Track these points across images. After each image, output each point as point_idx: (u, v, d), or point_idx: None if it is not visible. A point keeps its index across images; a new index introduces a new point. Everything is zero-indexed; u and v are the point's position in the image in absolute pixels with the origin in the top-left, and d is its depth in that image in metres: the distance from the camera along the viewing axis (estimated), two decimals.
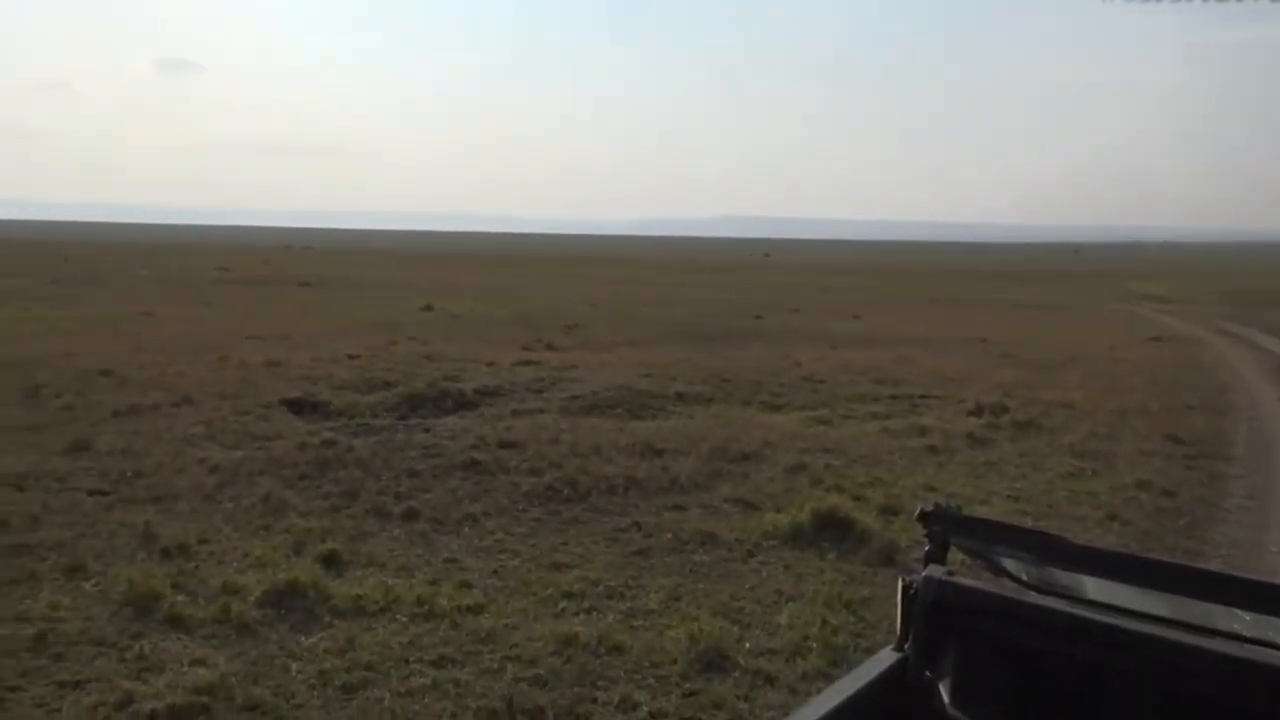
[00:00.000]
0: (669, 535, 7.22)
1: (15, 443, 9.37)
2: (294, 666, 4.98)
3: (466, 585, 6.14)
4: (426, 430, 10.32)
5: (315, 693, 4.73)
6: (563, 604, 5.89)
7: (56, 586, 5.92)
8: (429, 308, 26.15)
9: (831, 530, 7.20)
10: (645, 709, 4.66)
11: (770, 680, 4.94)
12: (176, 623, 5.45)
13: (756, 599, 6.05)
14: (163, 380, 12.96)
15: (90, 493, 7.89)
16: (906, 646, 2.37)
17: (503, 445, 9.56)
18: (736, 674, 5.00)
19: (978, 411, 12.15)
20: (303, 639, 5.30)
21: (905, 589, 2.38)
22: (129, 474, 8.44)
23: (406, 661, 5.07)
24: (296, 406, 11.48)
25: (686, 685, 4.89)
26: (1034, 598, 2.28)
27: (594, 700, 4.72)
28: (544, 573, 6.43)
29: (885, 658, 2.37)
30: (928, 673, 2.34)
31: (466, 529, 7.33)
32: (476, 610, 5.74)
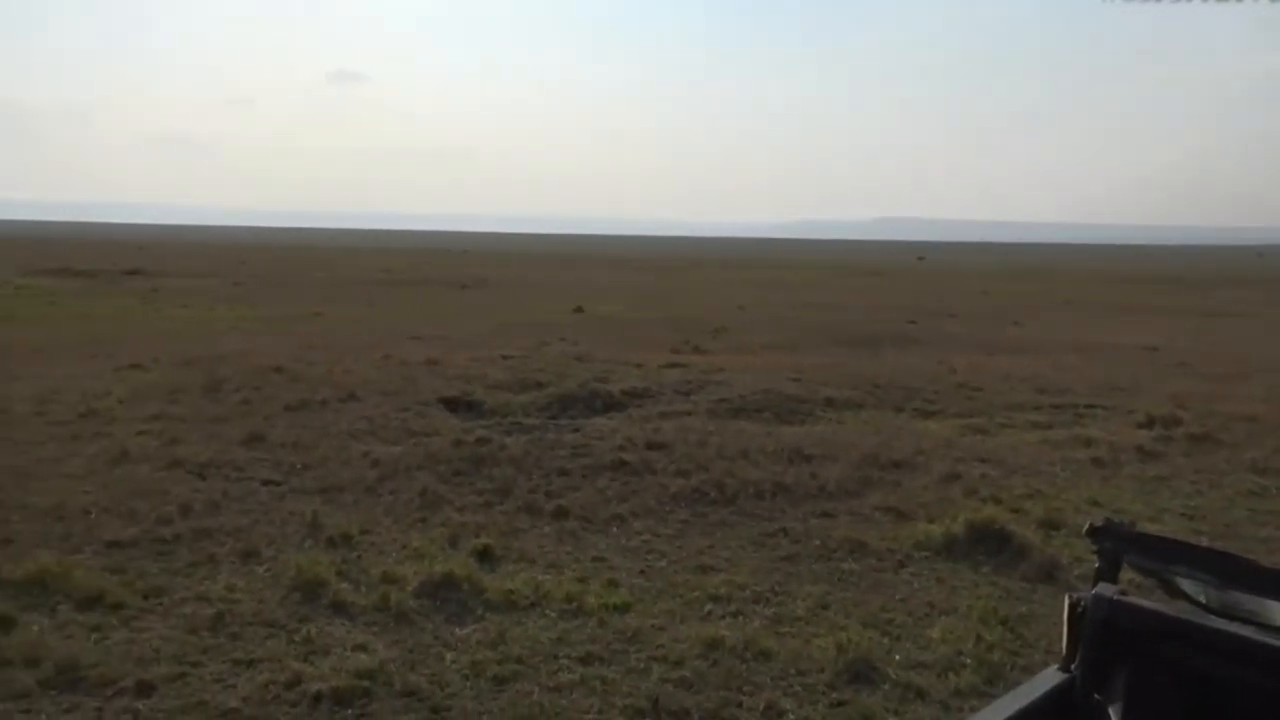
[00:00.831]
0: (817, 542, 7.13)
1: (199, 433, 10.03)
2: (448, 656, 5.15)
3: (614, 584, 6.21)
4: (576, 430, 10.49)
5: (468, 683, 4.88)
6: (709, 607, 5.89)
7: (233, 569, 6.31)
8: (580, 310, 26.59)
9: (987, 543, 6.96)
10: (792, 717, 4.61)
11: (921, 695, 4.81)
12: (340, 609, 5.72)
13: (907, 611, 5.90)
14: (330, 377, 13.61)
15: (264, 482, 8.37)
16: (1073, 667, 2.26)
17: (650, 447, 9.63)
18: (886, 686, 4.89)
19: (1148, 423, 11.49)
20: (457, 630, 5.48)
21: (1073, 607, 2.27)
22: (299, 465, 8.91)
23: (555, 657, 5.17)
24: (453, 405, 11.87)
25: (834, 695, 4.81)
26: (1216, 622, 2.14)
27: (739, 705, 4.70)
28: (690, 575, 6.45)
29: (1050, 677, 2.27)
30: (1096, 695, 2.23)
31: (614, 528, 7.42)
32: (623, 609, 5.80)
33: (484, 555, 6.64)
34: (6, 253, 60.44)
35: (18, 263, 46.38)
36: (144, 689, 4.69)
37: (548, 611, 5.76)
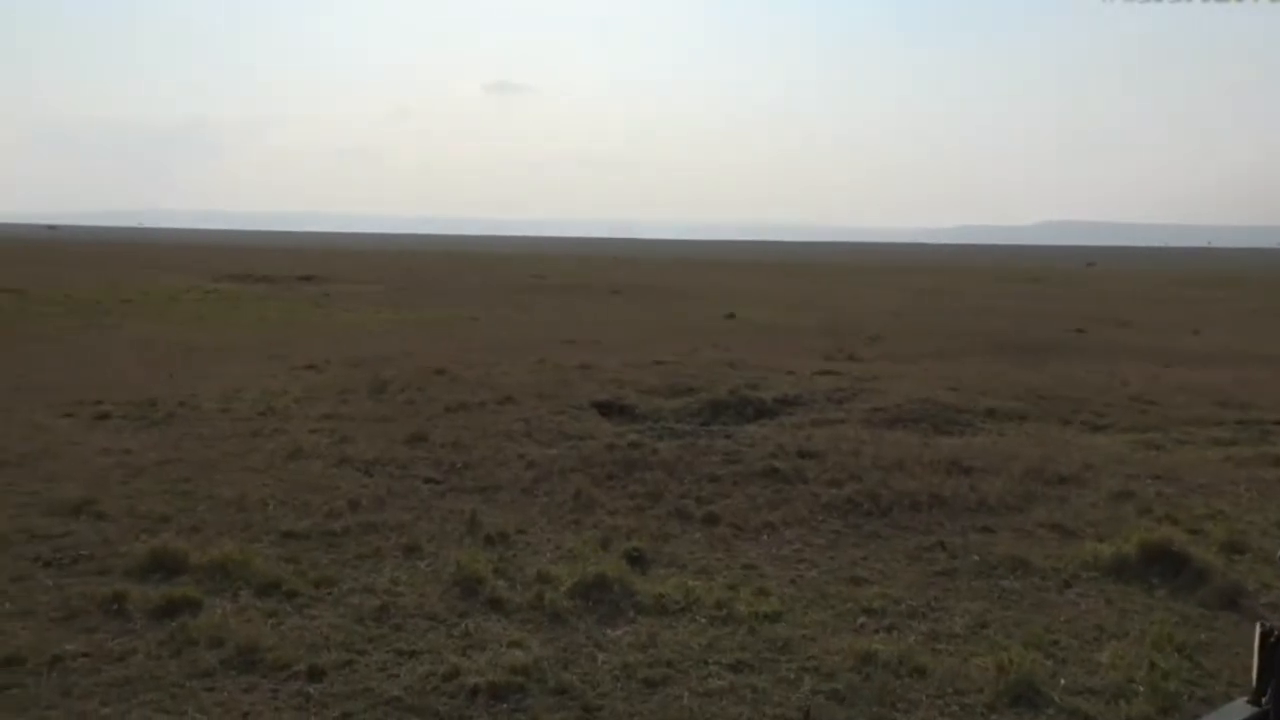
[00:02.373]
0: (976, 558, 6.90)
1: (366, 432, 10.51)
2: (600, 657, 5.23)
3: (764, 592, 6.17)
4: (728, 436, 10.48)
5: (619, 684, 4.94)
6: (862, 619, 5.79)
7: (397, 563, 6.58)
8: (732, 315, 26.55)
9: (1162, 565, 6.58)
10: None
11: None
12: (497, 605, 5.88)
13: (1073, 633, 5.64)
14: (488, 380, 14.03)
15: (426, 480, 8.70)
16: (1265, 701, 2.12)
17: (802, 455, 9.53)
18: (1050, 711, 4.69)
19: None
20: (609, 631, 5.56)
21: (1264, 636, 2.12)
22: (458, 465, 9.22)
23: (705, 663, 5.18)
24: (606, 408, 12.05)
25: (994, 717, 4.64)
26: None
27: None
28: (843, 586, 6.35)
29: (1238, 709, 2.13)
30: None
31: (765, 536, 7.37)
32: (774, 618, 5.76)
33: (635, 558, 6.71)
34: (198, 259, 64.91)
35: (207, 268, 49.74)
36: (315, 674, 4.95)
37: (698, 617, 5.77)
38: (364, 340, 19.85)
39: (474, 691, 4.79)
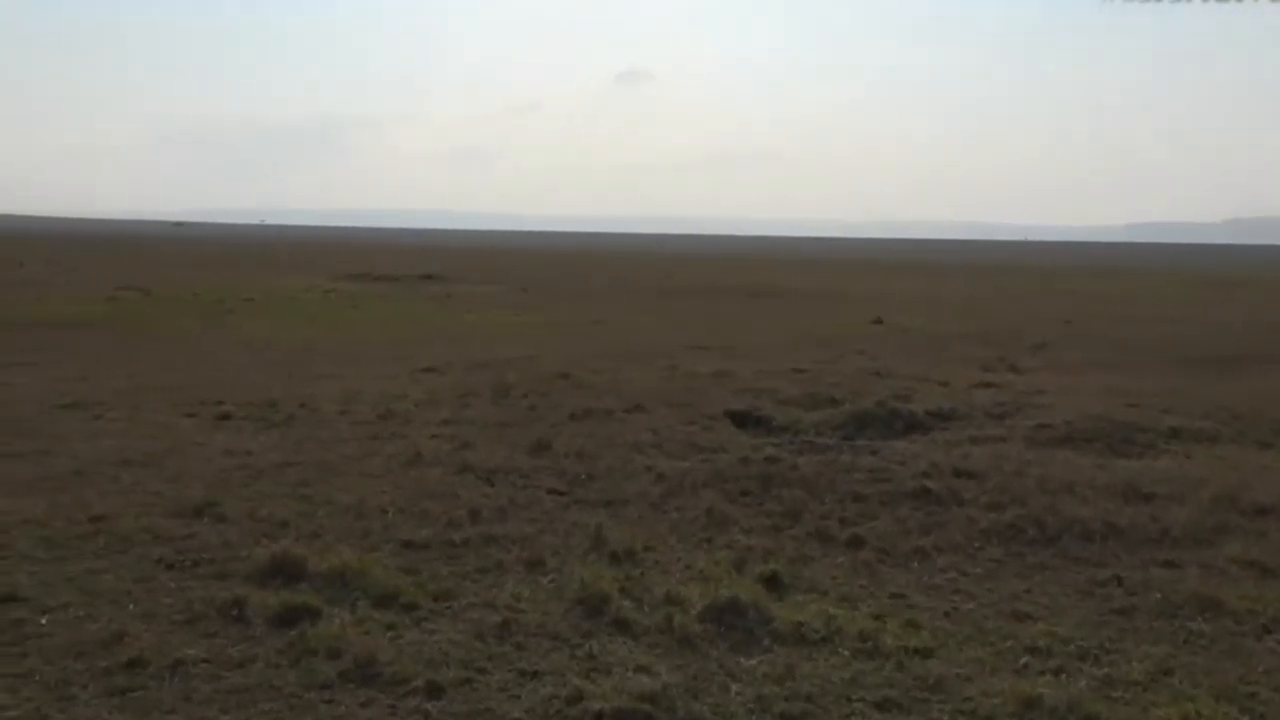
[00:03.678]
0: (1157, 595, 6.59)
1: (488, 438, 10.75)
2: (733, 687, 5.20)
3: (914, 625, 6.04)
4: (874, 453, 10.31)
5: (753, 717, 4.90)
6: (1025, 659, 5.59)
7: (519, 578, 6.70)
8: (879, 321, 26.13)
9: None
10: None
11: None
12: (623, 626, 5.93)
13: (1274, 685, 5.32)
14: (615, 386, 14.17)
15: (549, 491, 8.84)
16: None
17: (958, 474, 9.29)
18: None
19: None
20: (742, 659, 5.53)
21: None
22: (583, 476, 9.34)
23: (848, 699, 5.09)
24: (740, 419, 12.01)
25: None
26: None
27: None
28: (1003, 621, 6.15)
29: None
30: None
31: (915, 563, 7.22)
32: (925, 654, 5.62)
33: (772, 582, 6.66)
34: (318, 257, 67.73)
35: (328, 268, 51.80)
36: (434, 690, 5.08)
37: (840, 649, 5.68)
38: (486, 342, 20.33)
39: (598, 717, 4.83)
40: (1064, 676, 5.37)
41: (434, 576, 6.67)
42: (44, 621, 5.79)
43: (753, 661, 5.51)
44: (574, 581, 6.51)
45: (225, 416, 11.70)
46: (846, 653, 5.64)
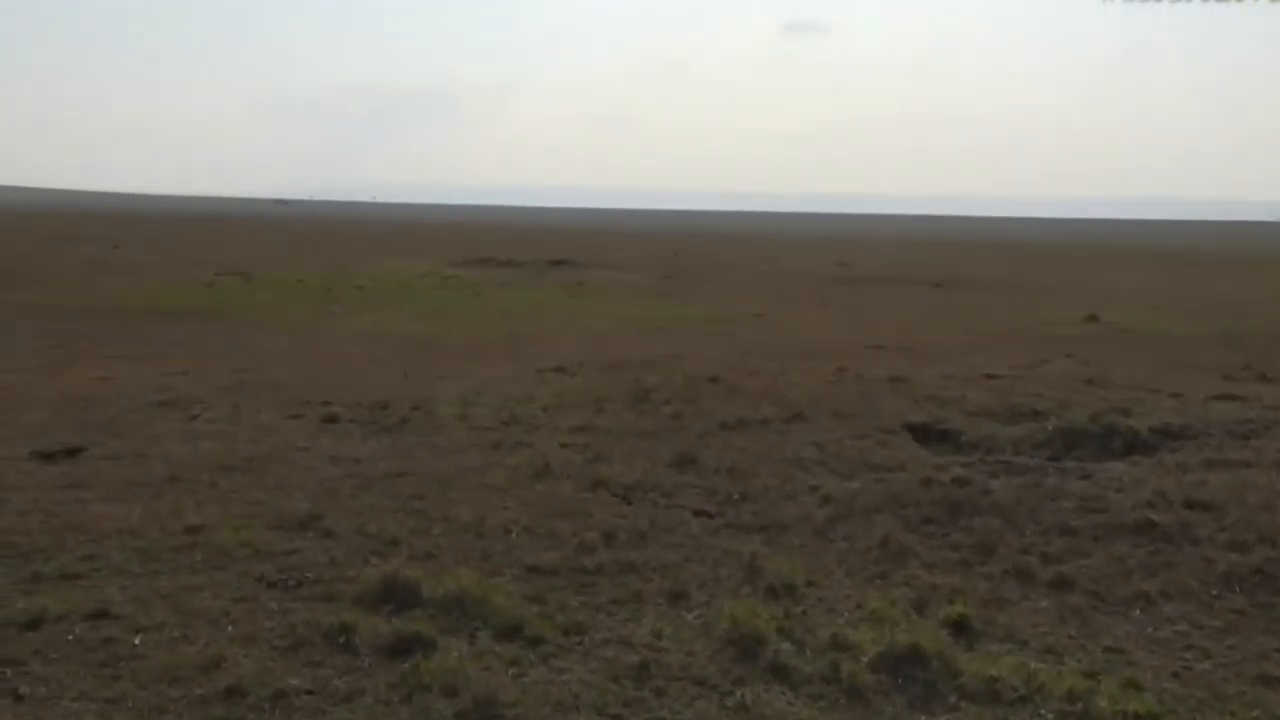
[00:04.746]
0: None
1: (625, 450, 10.88)
2: None
3: (1135, 686, 5.85)
4: (1085, 476, 10.03)
5: None
6: None
7: (660, 612, 6.77)
8: (1092, 318, 25.34)
9: None
10: None
11: None
12: (780, 673, 5.92)
13: None
14: (774, 391, 14.15)
15: (696, 513, 8.90)
16: None
17: (1191, 506, 8.96)
18: None
19: None
20: (923, 718, 5.46)
21: None
22: (735, 496, 9.37)
23: None
24: (922, 433, 11.84)
25: None
26: None
27: None
28: (1246, 686, 5.92)
29: None
30: None
31: (1136, 611, 6.99)
32: None
33: (959, 627, 6.55)
34: (435, 240, 69.62)
35: (445, 251, 53.19)
36: None
37: (1044, 710, 5.56)
38: (624, 339, 20.56)
39: None
40: None
41: (563, 607, 6.79)
42: (137, 641, 6.14)
43: None
44: (724, 618, 6.53)
45: (332, 419, 12.15)
46: (1051, 715, 5.52)
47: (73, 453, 10.22)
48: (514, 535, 8.17)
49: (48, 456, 10.07)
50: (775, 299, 30.66)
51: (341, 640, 6.16)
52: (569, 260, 46.98)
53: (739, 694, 5.67)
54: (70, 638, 6.15)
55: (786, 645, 6.23)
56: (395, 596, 6.75)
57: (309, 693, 5.59)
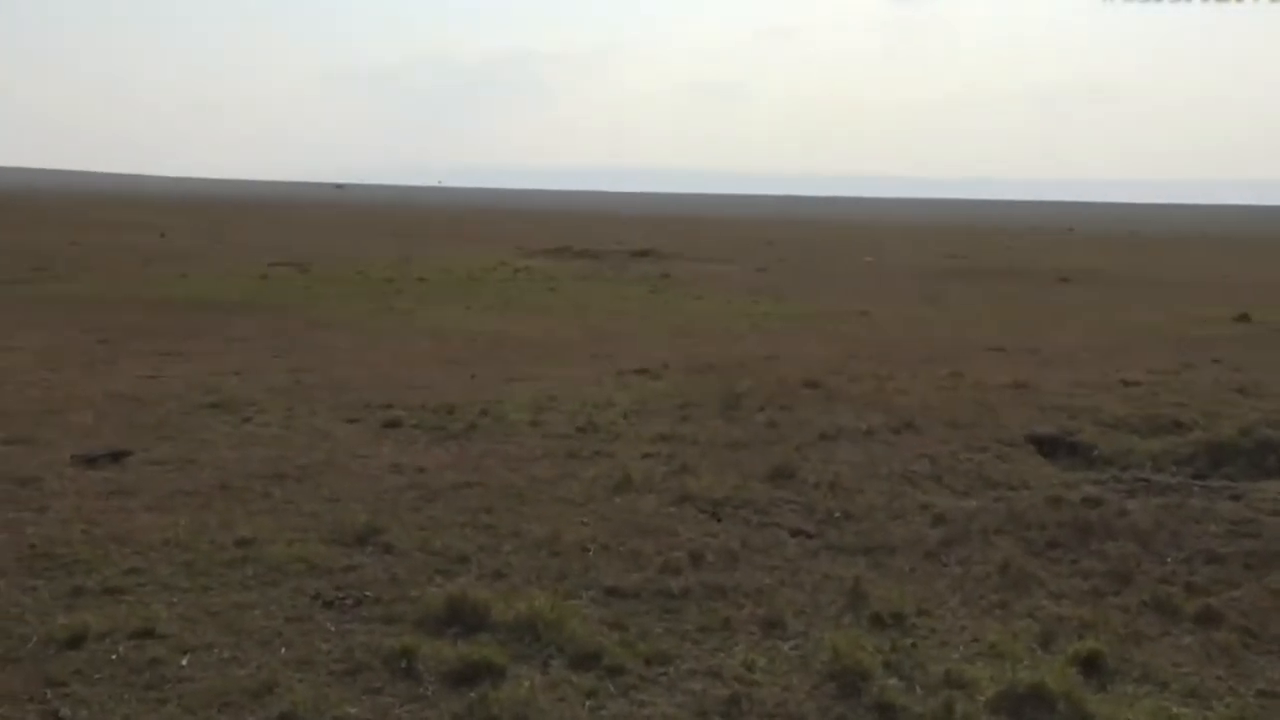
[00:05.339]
0: None
1: (715, 461, 10.86)
2: None
3: None
4: (1235, 497, 9.83)
5: None
6: None
7: (752, 642, 6.74)
8: (1244, 318, 24.80)
9: None
10: None
11: None
12: (887, 713, 5.88)
13: None
14: (880, 398, 14.03)
15: (793, 532, 8.85)
16: None
17: None
18: None
19: None
20: None
21: None
22: (836, 514, 9.30)
23: None
24: (1048, 446, 11.67)
25: None
26: None
27: None
28: None
29: None
30: None
31: None
32: None
33: (1090, 665, 6.44)
34: (507, 227, 70.15)
35: (518, 240, 53.61)
36: None
37: None
38: (714, 338, 20.55)
39: None
40: None
41: (645, 634, 6.79)
42: (185, 663, 6.25)
43: None
44: (823, 650, 6.49)
45: (394, 423, 12.28)
46: None
47: (117, 457, 10.44)
48: (591, 554, 8.19)
49: (91, 461, 10.28)
50: (881, 294, 30.45)
51: (403, 666, 6.21)
52: (654, 250, 47.12)
53: None
54: (113, 657, 6.27)
55: (894, 681, 6.17)
56: (461, 619, 6.80)
57: None
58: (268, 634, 6.65)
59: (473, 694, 5.89)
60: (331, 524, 8.66)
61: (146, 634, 6.55)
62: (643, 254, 45.64)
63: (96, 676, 6.04)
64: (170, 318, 21.71)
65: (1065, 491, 9.89)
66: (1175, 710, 5.93)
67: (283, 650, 6.44)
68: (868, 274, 38.78)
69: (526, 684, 6.00)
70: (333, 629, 6.77)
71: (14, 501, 9.07)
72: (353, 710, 5.74)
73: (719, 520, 9.11)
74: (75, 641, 6.40)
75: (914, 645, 6.73)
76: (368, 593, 7.34)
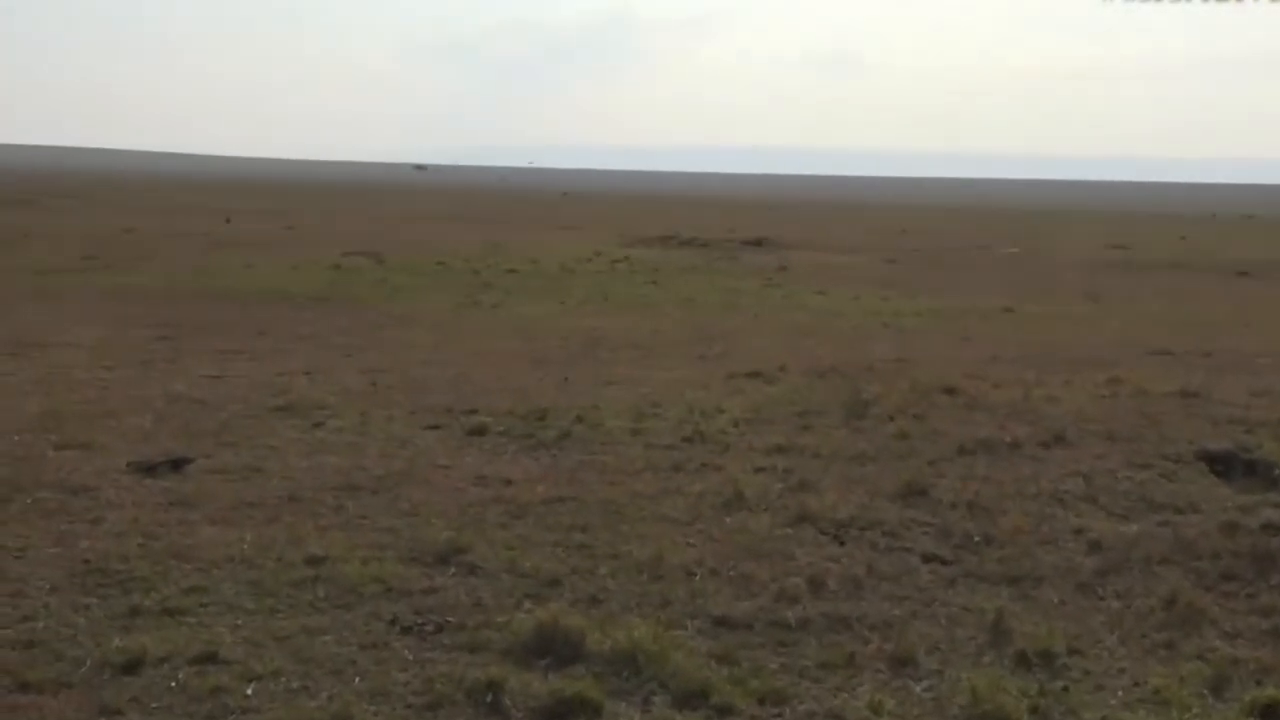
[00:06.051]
0: None
1: (838, 476, 10.82)
2: None
3: None
4: None
5: None
6: None
7: (879, 682, 6.70)
8: None
9: None
10: None
11: None
12: None
13: None
14: (1026, 408, 13.87)
15: (926, 558, 8.78)
16: None
17: None
18: None
19: None
20: None
21: None
22: (976, 538, 9.20)
23: None
24: (1222, 464, 11.43)
25: None
26: None
27: None
28: None
29: None
30: None
31: None
32: None
33: (1269, 714, 6.32)
34: (604, 214, 70.49)
35: (617, 228, 53.79)
36: None
37: None
38: (838, 338, 20.49)
39: None
40: None
41: (757, 670, 6.78)
42: (249, 692, 6.36)
43: None
44: (960, 692, 6.43)
45: (479, 430, 12.41)
46: None
47: (177, 465, 10.66)
48: (698, 579, 8.18)
49: (149, 469, 10.51)
50: (1029, 290, 30.09)
51: (488, 700, 6.27)
52: (769, 239, 47.03)
53: None
54: (173, 684, 6.39)
55: None
56: (553, 649, 6.83)
57: None
58: (340, 662, 6.74)
59: None
60: (410, 541, 8.77)
61: (208, 659, 6.65)
62: (756, 243, 45.56)
63: (154, 705, 6.16)
64: (235, 312, 22.16)
65: (1241, 516, 9.70)
66: None
67: (356, 680, 6.52)
68: (1012, 266, 38.33)
69: None
70: (411, 657, 6.84)
71: (66, 512, 9.31)
72: None
73: (842, 543, 9.06)
74: (132, 666, 6.51)
75: (1065, 689, 6.64)
76: (449, 618, 7.40)
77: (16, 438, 11.56)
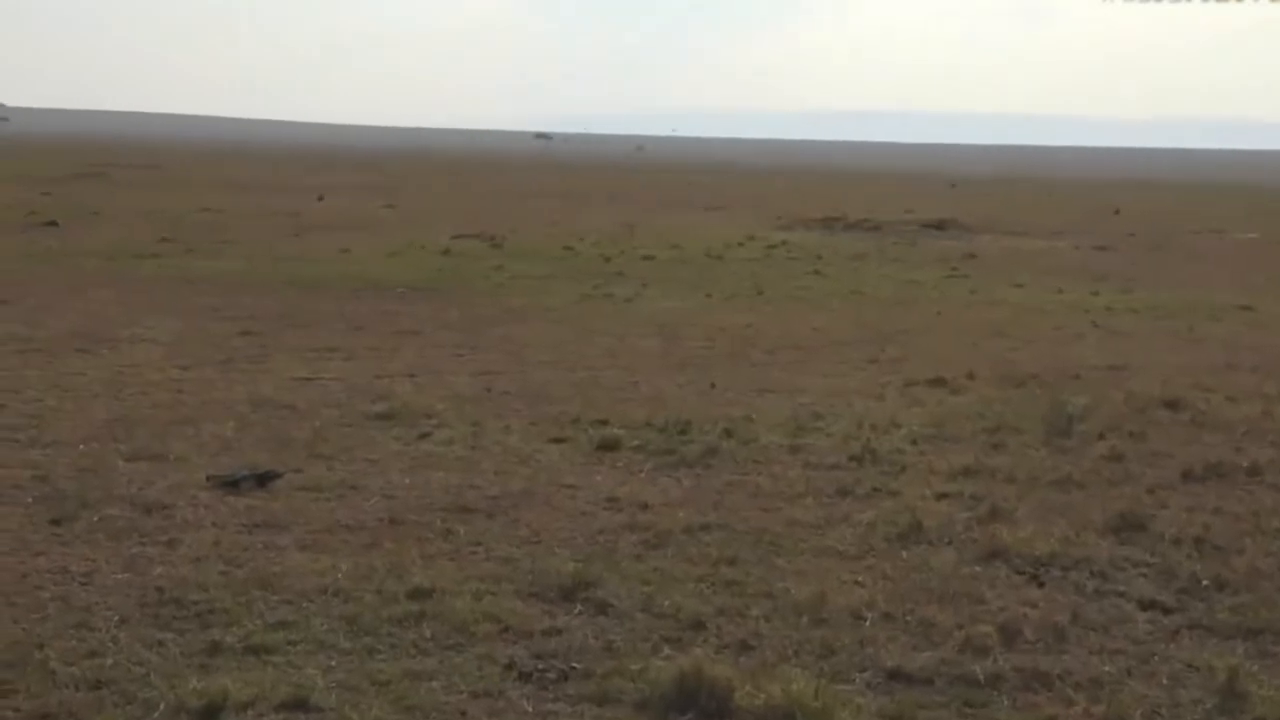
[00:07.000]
0: None
1: (1036, 506, 10.67)
2: None
3: None
4: None
5: None
6: None
7: None
8: None
9: None
10: None
11: None
12: None
13: None
14: (1267, 425, 13.63)
15: (1143, 605, 8.59)
16: None
17: None
18: None
19: None
20: None
21: None
22: (1204, 581, 8.98)
23: None
24: None
25: None
26: None
27: None
28: None
29: None
30: None
31: None
32: None
33: None
34: (758, 192, 70.20)
35: (772, 207, 53.63)
36: None
37: None
38: (1037, 340, 20.26)
39: None
40: None
41: None
42: None
43: None
44: None
45: (610, 445, 12.45)
46: None
47: (263, 480, 10.82)
48: (868, 624, 8.12)
49: (231, 485, 10.69)
50: (1271, 283, 29.42)
51: None
52: (953, 221, 46.55)
53: None
54: None
55: None
56: (696, 702, 6.81)
57: None
58: (448, 711, 6.77)
59: None
60: (530, 573, 8.79)
61: (298, 705, 6.71)
62: (938, 225, 45.15)
63: None
64: (328, 304, 22.46)
65: None
66: None
67: None
68: (1250, 255, 37.53)
69: None
70: (530, 709, 6.84)
71: (138, 533, 9.48)
72: None
73: (1041, 585, 8.94)
74: (211, 711, 6.58)
75: None
76: (575, 664, 7.39)
77: (83, 447, 11.82)
